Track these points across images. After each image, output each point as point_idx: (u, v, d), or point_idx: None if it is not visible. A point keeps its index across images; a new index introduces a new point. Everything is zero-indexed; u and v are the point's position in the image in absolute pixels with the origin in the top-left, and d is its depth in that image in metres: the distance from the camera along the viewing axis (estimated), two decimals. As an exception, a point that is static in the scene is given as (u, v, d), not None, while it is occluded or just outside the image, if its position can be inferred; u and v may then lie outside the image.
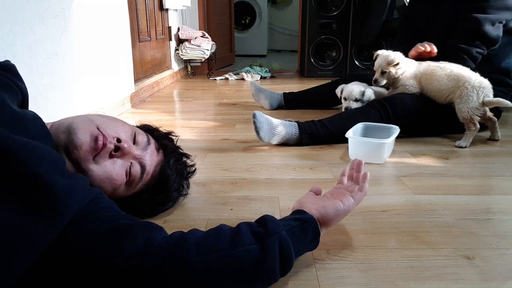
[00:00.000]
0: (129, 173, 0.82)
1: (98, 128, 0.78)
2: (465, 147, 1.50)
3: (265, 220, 0.69)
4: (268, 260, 0.64)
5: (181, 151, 1.00)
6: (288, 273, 0.70)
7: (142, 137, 0.87)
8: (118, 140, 0.79)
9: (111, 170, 0.78)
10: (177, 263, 0.60)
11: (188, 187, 1.02)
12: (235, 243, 0.64)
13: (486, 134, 1.62)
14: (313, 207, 0.76)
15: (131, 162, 0.82)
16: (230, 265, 0.61)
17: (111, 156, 0.78)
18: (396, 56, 1.63)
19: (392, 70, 1.62)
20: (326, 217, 0.74)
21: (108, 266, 0.58)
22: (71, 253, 0.59)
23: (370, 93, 1.73)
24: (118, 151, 0.79)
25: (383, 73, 1.64)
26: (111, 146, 0.78)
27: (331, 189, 0.87)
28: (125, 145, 0.80)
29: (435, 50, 1.65)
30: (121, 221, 0.66)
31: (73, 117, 0.81)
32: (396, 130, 1.41)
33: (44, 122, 0.73)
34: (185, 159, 1.00)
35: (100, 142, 0.76)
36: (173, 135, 1.01)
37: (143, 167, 0.84)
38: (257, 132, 1.45)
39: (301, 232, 0.70)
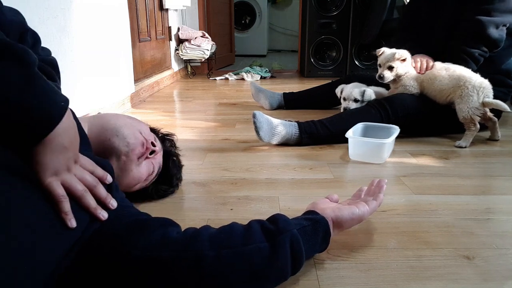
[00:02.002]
0: (150, 173, 0.94)
1: (141, 133, 0.90)
2: (465, 147, 1.50)
3: (276, 219, 0.70)
4: (279, 258, 0.64)
5: (175, 150, 1.10)
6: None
7: (156, 139, 0.99)
8: (153, 144, 0.93)
9: (143, 170, 0.92)
10: (191, 256, 0.61)
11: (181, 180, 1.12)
12: (246, 240, 0.65)
13: (486, 134, 1.62)
14: (328, 208, 0.77)
15: (152, 163, 0.94)
16: (242, 261, 0.63)
17: (146, 158, 0.92)
18: (404, 52, 1.62)
19: (400, 66, 1.60)
20: (341, 218, 0.76)
21: (126, 257, 0.60)
22: (91, 246, 0.61)
23: (370, 92, 1.73)
24: (152, 153, 0.93)
25: (390, 68, 1.62)
26: (150, 150, 0.91)
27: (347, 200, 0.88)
28: (157, 149, 0.94)
29: (431, 64, 1.63)
30: (139, 217, 0.69)
31: (114, 119, 0.89)
32: (396, 130, 1.41)
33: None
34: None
35: (148, 147, 0.90)
36: (172, 137, 1.09)
37: (159, 167, 0.98)
38: (257, 132, 1.45)
39: (312, 232, 0.71)
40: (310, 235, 0.70)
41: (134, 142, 0.88)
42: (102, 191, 0.65)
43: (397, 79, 1.63)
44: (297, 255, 0.66)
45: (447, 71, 1.54)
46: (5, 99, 0.49)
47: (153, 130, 1.04)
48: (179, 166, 1.09)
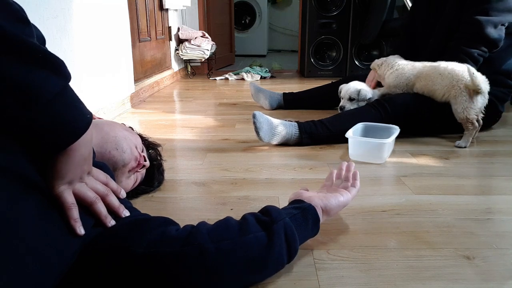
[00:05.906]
0: (134, 182, 0.99)
1: (136, 148, 0.94)
2: (465, 147, 1.50)
3: (269, 210, 0.73)
4: (276, 245, 0.67)
5: (160, 159, 1.13)
6: (288, 273, 0.71)
7: (144, 149, 1.01)
8: (144, 159, 0.97)
9: (131, 182, 0.96)
10: (192, 250, 0.62)
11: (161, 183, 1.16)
12: (243, 231, 0.67)
13: (486, 134, 1.62)
14: (314, 197, 0.81)
15: (137, 175, 0.99)
16: (241, 251, 0.65)
17: (135, 171, 0.96)
18: (375, 62, 1.81)
19: (380, 70, 1.76)
20: (329, 206, 0.80)
21: (128, 255, 0.61)
22: (93, 247, 0.62)
23: (365, 92, 1.73)
24: (142, 168, 0.98)
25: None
26: (142, 166, 0.96)
27: (321, 187, 0.93)
28: (147, 164, 0.99)
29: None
30: (139, 217, 0.71)
31: (113, 130, 0.92)
32: (396, 130, 1.41)
33: None
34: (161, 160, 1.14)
35: (140, 163, 0.95)
36: (157, 147, 1.12)
37: (141, 178, 1.02)
38: (257, 132, 1.45)
39: (302, 219, 0.74)
40: (300, 222, 0.74)
41: (130, 157, 0.92)
42: (114, 200, 0.67)
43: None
44: (291, 242, 0.70)
45: (436, 69, 1.54)
46: (36, 102, 0.51)
47: (140, 136, 1.06)
48: (162, 172, 1.14)
